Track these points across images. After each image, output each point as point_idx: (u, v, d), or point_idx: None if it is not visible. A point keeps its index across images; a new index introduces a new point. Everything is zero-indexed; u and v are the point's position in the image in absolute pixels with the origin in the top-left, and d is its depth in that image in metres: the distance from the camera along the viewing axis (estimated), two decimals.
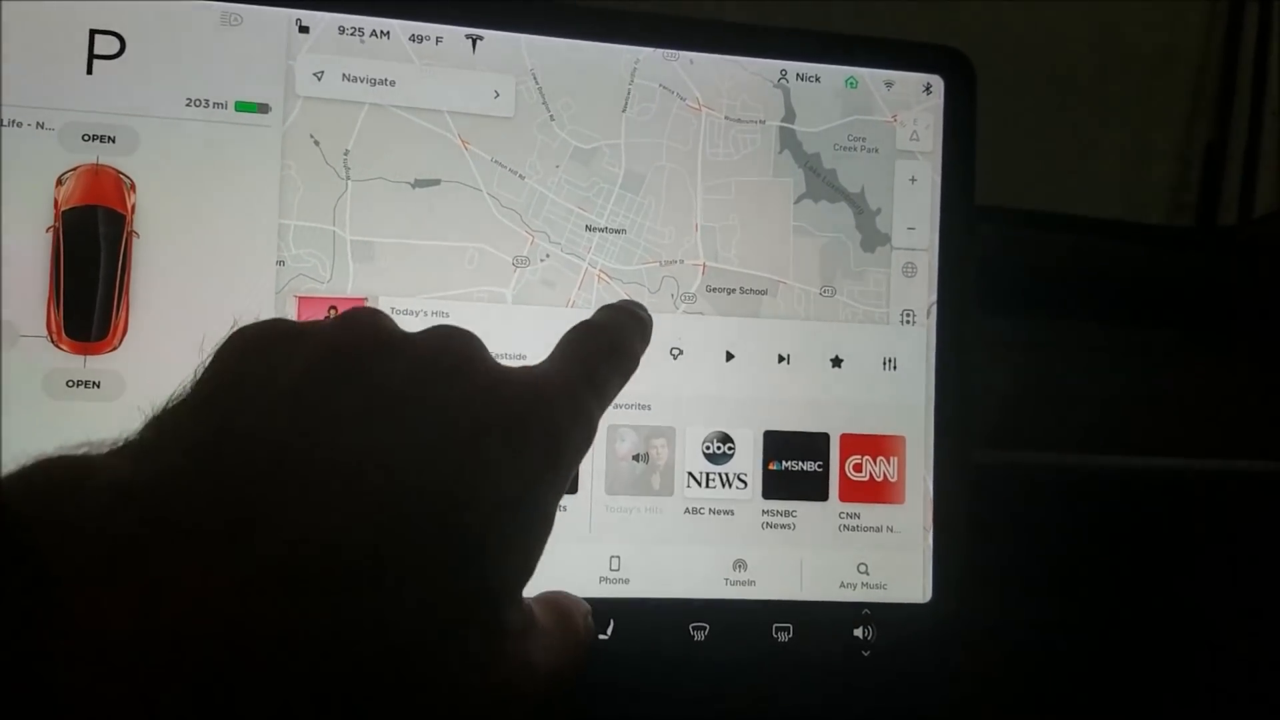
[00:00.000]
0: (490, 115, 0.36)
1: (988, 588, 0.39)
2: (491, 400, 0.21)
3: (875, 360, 0.38)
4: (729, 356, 0.38)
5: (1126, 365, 0.57)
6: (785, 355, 0.38)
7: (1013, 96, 0.39)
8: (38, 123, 0.33)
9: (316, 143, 0.35)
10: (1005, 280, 0.50)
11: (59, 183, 0.34)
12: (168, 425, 0.19)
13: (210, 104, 0.34)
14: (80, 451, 0.18)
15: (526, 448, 0.21)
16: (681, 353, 0.37)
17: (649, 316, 0.27)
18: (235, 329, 0.21)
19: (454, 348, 0.21)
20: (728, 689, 0.38)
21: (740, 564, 0.37)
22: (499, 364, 0.22)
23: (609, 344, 0.25)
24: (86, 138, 0.34)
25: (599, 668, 0.36)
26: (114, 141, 0.34)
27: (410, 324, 0.23)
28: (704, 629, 0.37)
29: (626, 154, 0.37)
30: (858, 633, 0.38)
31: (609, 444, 0.37)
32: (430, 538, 0.18)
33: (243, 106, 0.35)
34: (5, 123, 0.33)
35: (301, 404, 0.19)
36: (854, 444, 0.38)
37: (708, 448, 0.37)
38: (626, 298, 0.26)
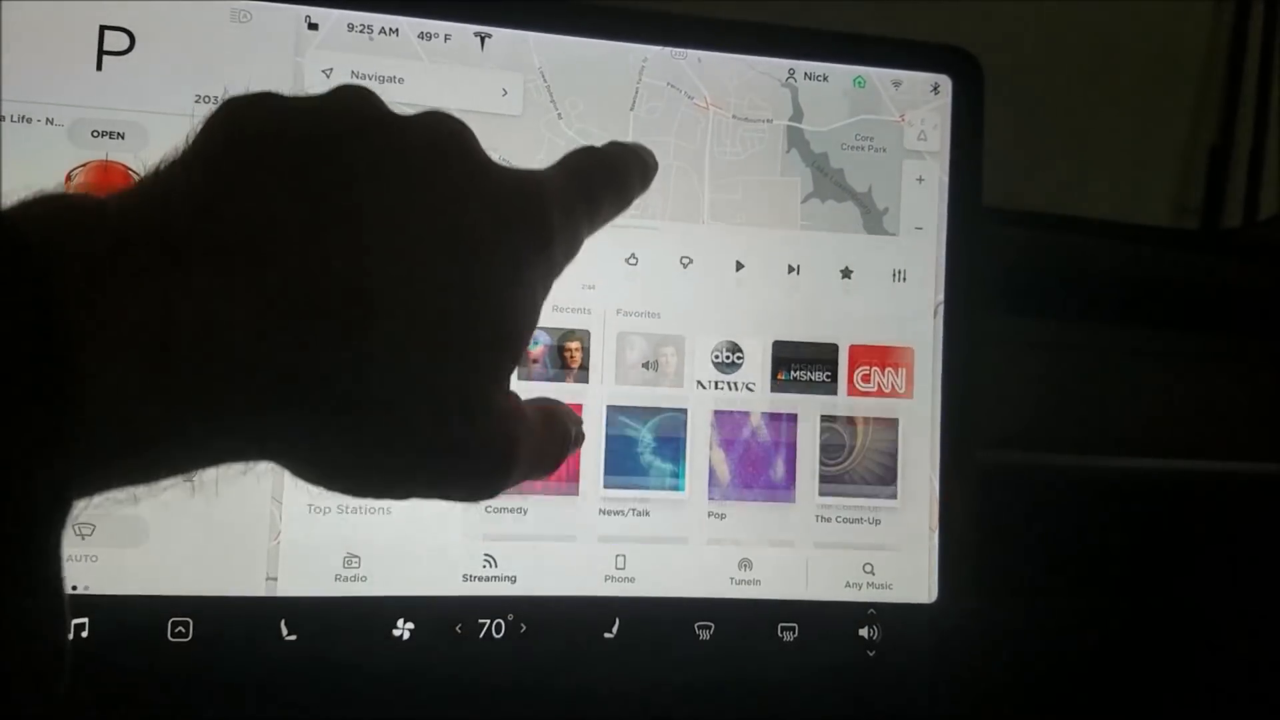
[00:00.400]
0: (498, 113, 0.36)
1: (993, 588, 0.39)
2: (486, 184, 0.21)
3: (885, 272, 0.39)
4: (739, 266, 0.38)
5: (1129, 366, 0.57)
6: (795, 266, 0.38)
7: (1016, 98, 0.39)
8: (47, 118, 0.34)
9: None
10: (1007, 281, 0.50)
11: (68, 179, 0.34)
12: (166, 174, 0.19)
13: (219, 100, 0.34)
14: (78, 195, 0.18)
15: (517, 236, 0.21)
16: (691, 261, 0.37)
17: (655, 161, 0.27)
18: (226, 98, 0.20)
19: (448, 129, 0.21)
20: (733, 688, 0.38)
21: (745, 563, 0.37)
22: (491, 157, 0.22)
23: (608, 170, 0.25)
24: (96, 134, 0.34)
25: (605, 665, 0.36)
26: (123, 138, 0.34)
27: None
28: (709, 628, 0.37)
29: None
30: (863, 632, 0.38)
31: (619, 350, 0.37)
32: (423, 301, 0.19)
33: None
34: (15, 118, 0.33)
35: (299, 161, 0.19)
36: (862, 355, 0.38)
37: (716, 356, 0.37)
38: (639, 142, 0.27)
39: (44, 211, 0.17)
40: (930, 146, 0.39)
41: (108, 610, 0.33)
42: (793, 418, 0.38)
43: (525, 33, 0.36)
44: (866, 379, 0.38)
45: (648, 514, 0.37)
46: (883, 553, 0.38)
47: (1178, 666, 0.48)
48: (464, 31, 0.36)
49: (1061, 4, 0.80)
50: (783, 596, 0.37)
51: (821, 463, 0.38)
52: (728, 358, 0.38)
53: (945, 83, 0.39)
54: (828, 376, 0.38)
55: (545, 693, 0.36)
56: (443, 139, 0.21)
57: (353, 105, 0.20)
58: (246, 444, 0.18)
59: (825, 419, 0.38)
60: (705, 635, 0.37)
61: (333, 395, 0.18)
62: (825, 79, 0.38)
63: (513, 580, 0.36)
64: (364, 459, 0.19)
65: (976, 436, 0.39)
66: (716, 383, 0.37)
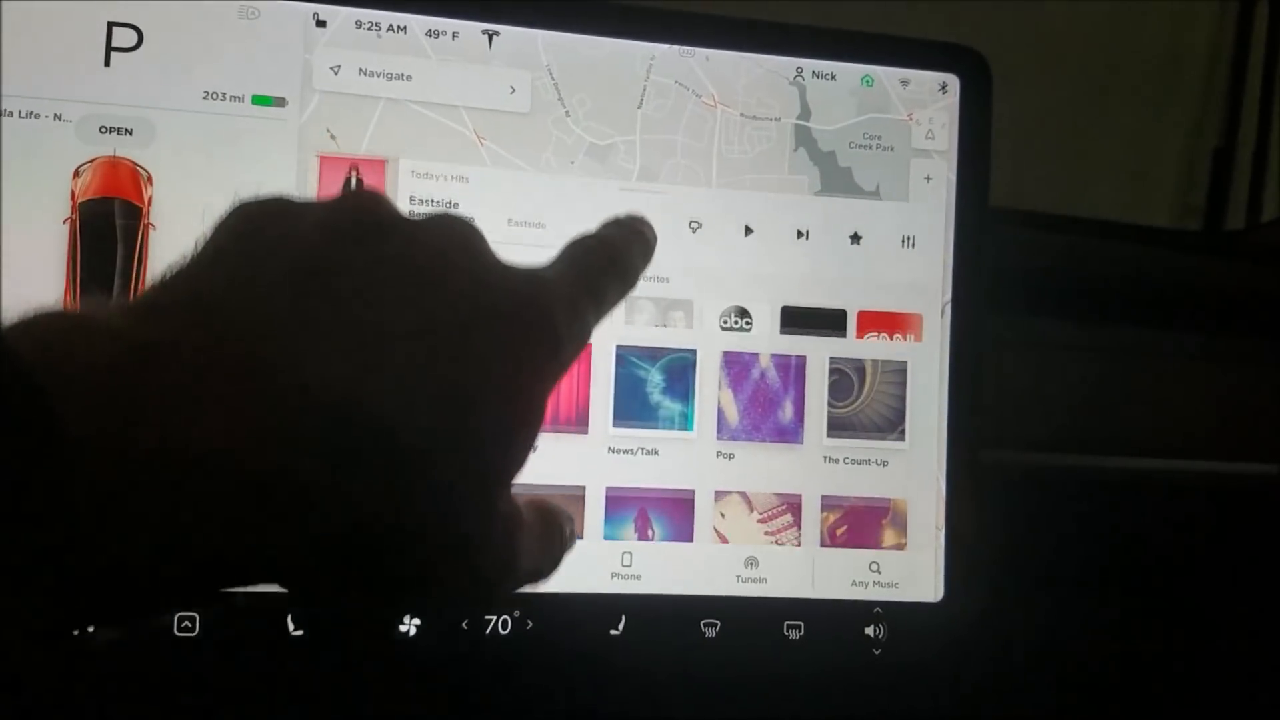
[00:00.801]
0: (506, 110, 0.36)
1: (999, 588, 0.39)
2: (492, 289, 0.21)
3: (894, 237, 0.39)
4: (747, 231, 0.38)
5: (1132, 367, 0.57)
6: (804, 231, 0.38)
7: (1021, 99, 0.39)
8: (55, 114, 0.34)
9: (333, 137, 0.35)
10: (1009, 281, 0.50)
11: (76, 175, 0.34)
12: (171, 287, 0.19)
13: (227, 97, 0.35)
14: (82, 310, 0.18)
15: (522, 340, 0.21)
16: (700, 226, 0.37)
17: (654, 234, 0.27)
18: (237, 203, 0.20)
19: (458, 233, 0.21)
20: (739, 685, 0.38)
21: (751, 561, 0.37)
22: (500, 259, 0.22)
23: (610, 257, 0.25)
24: (104, 130, 0.34)
25: (611, 662, 0.36)
26: (131, 134, 0.34)
27: None
28: (715, 626, 0.37)
29: (641, 150, 0.37)
30: (869, 631, 0.38)
31: (627, 314, 0.37)
32: (428, 413, 0.19)
33: (259, 100, 0.35)
34: (23, 114, 0.33)
35: (304, 272, 0.19)
36: (871, 321, 0.38)
37: (725, 322, 0.37)
38: (634, 213, 0.27)
39: (44, 333, 0.16)
40: (938, 145, 0.39)
41: None
42: (802, 359, 0.38)
43: (533, 30, 0.36)
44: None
45: (656, 453, 0.37)
46: (890, 553, 0.38)
47: (1189, 667, 0.48)
48: (472, 29, 0.36)
49: (1066, 5, 0.80)
50: (789, 595, 0.37)
51: (830, 404, 0.38)
52: (736, 323, 0.38)
53: (953, 82, 0.39)
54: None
55: (551, 690, 0.36)
56: (452, 246, 0.21)
57: (362, 210, 0.20)
58: (252, 564, 0.18)
59: (834, 360, 0.38)
60: (711, 633, 0.37)
61: (339, 507, 0.18)
62: (833, 78, 0.38)
63: None
64: (370, 572, 0.19)
65: (982, 436, 0.39)
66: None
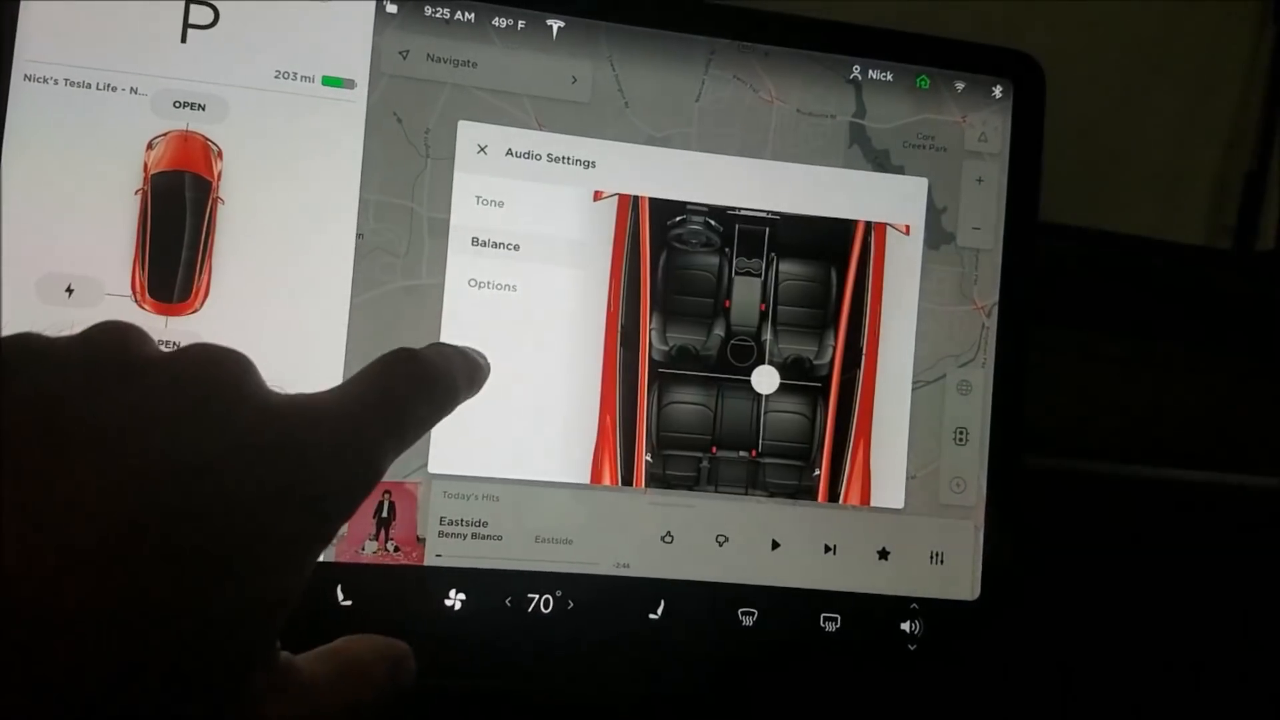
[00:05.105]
0: (567, 100, 0.37)
1: (1035, 589, 0.39)
2: (241, 431, 0.19)
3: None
4: None
5: (1160, 379, 0.57)
6: None
7: (1054, 114, 0.40)
8: (131, 88, 0.34)
9: (399, 120, 0.36)
10: (1044, 290, 0.50)
11: (149, 147, 0.35)
12: None
13: (298, 77, 0.35)
14: None
15: (275, 489, 0.19)
16: None
17: (486, 364, 0.26)
18: None
19: (210, 372, 0.19)
20: (773, 674, 0.38)
21: (788, 550, 0.38)
22: (267, 390, 0.20)
23: (420, 375, 0.23)
24: (178, 104, 0.35)
25: (648, 646, 0.37)
26: (204, 109, 0.35)
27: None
28: (753, 614, 0.37)
29: (698, 143, 0.38)
30: (905, 626, 0.38)
31: None
32: (149, 584, 0.17)
33: (329, 81, 0.36)
34: (101, 86, 0.34)
35: (27, 426, 0.17)
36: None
37: None
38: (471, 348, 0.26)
39: None
40: (991, 148, 0.40)
41: None
42: None
43: (596, 22, 0.37)
44: None
45: None
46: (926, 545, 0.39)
47: (1220, 672, 0.48)
48: (537, 19, 0.37)
49: (1104, 23, 0.81)
50: (827, 586, 0.38)
51: None
52: None
53: (1007, 86, 0.40)
54: None
55: (588, 669, 0.37)
56: (209, 384, 0.19)
57: (107, 350, 0.19)
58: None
59: None
60: (749, 621, 0.37)
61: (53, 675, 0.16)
62: (889, 77, 0.39)
63: (568, 542, 0.36)
64: None
65: (1024, 440, 0.40)
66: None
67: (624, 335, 0.37)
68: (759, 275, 0.38)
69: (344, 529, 0.35)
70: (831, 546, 0.38)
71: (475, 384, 0.25)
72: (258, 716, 0.19)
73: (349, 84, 0.36)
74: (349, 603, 0.35)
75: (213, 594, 0.18)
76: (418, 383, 0.22)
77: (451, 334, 0.36)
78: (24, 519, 0.16)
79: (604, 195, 0.37)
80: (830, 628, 0.38)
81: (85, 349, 0.19)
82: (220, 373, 0.20)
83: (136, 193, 0.34)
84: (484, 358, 0.26)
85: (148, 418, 0.18)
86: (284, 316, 0.35)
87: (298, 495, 0.19)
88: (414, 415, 0.22)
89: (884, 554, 0.38)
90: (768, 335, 0.38)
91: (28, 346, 0.19)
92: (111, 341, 0.19)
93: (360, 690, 0.21)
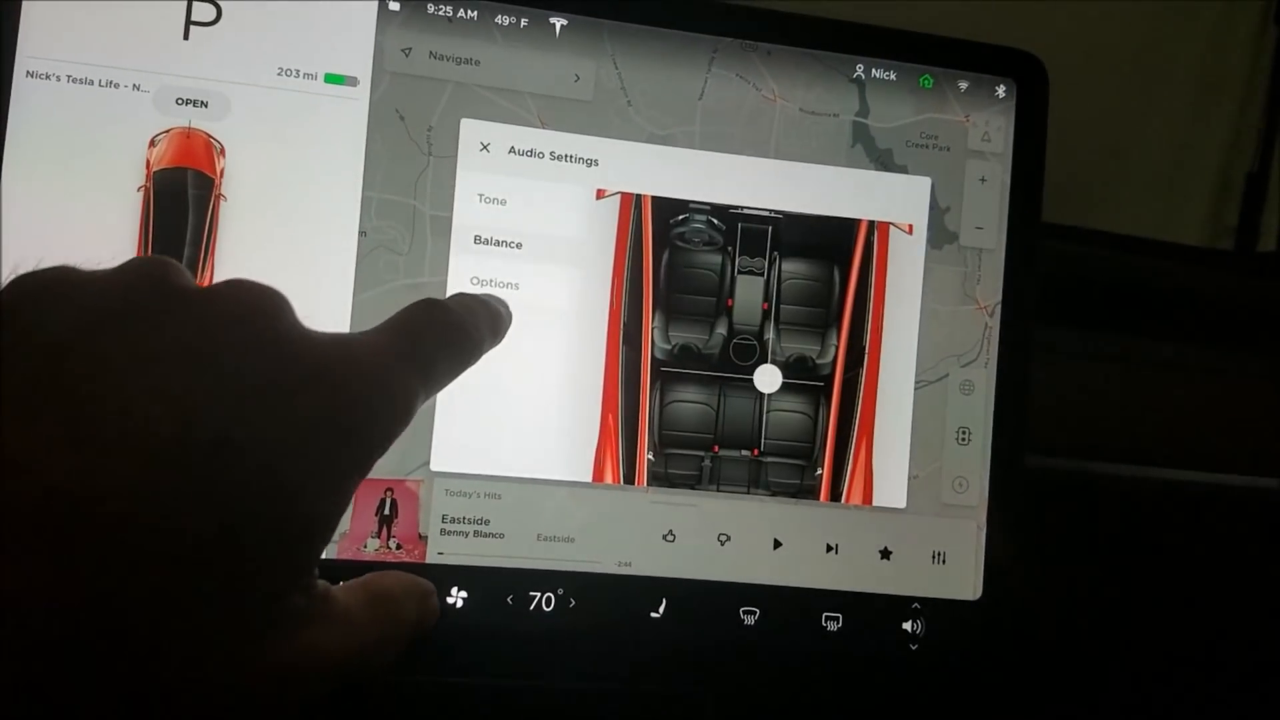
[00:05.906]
0: (569, 98, 0.37)
1: (1037, 589, 0.39)
2: (281, 359, 0.19)
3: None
4: None
5: (1161, 380, 0.57)
6: None
7: (1056, 114, 0.40)
8: (134, 85, 0.34)
9: (402, 118, 0.36)
10: (1043, 291, 0.51)
11: (151, 144, 0.34)
12: None
13: (301, 74, 0.35)
14: None
15: (315, 417, 0.19)
16: None
17: (508, 313, 0.26)
18: (14, 276, 0.19)
19: (248, 303, 0.20)
20: (775, 674, 0.38)
21: (790, 550, 0.38)
22: (302, 326, 0.20)
23: (445, 321, 0.23)
24: (180, 101, 0.35)
25: (649, 645, 0.37)
26: (206, 106, 0.35)
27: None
28: (754, 613, 0.37)
29: (701, 142, 0.38)
30: (907, 626, 0.38)
31: None
32: (190, 506, 0.17)
33: (332, 79, 0.35)
34: (103, 83, 0.34)
35: (70, 351, 0.18)
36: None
37: None
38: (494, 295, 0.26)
39: None
40: (994, 148, 0.39)
41: None
42: None
43: (599, 20, 0.37)
44: None
45: None
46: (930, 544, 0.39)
47: (1224, 672, 0.48)
48: (540, 17, 0.37)
49: (1106, 23, 0.81)
50: (829, 586, 0.38)
51: None
52: None
53: (1011, 86, 0.40)
54: None
55: (590, 668, 0.37)
56: (247, 314, 0.19)
57: (146, 280, 0.19)
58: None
59: None
60: (750, 620, 0.37)
61: (97, 622, 0.16)
62: (893, 77, 0.39)
63: (570, 541, 0.36)
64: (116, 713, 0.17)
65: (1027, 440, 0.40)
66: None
67: (626, 334, 0.37)
68: (761, 274, 0.38)
69: (345, 526, 0.35)
70: (833, 546, 0.38)
71: (498, 333, 0.26)
72: (296, 640, 0.19)
73: (351, 81, 0.36)
74: None
75: (253, 516, 0.18)
76: (442, 330, 0.23)
77: None
78: (69, 440, 0.17)
79: (606, 194, 0.37)
80: (832, 627, 0.38)
81: (125, 278, 0.20)
82: (260, 303, 0.20)
83: (139, 190, 0.34)
84: (506, 306, 0.26)
85: (189, 345, 0.19)
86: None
87: (337, 422, 0.19)
88: (441, 362, 0.23)
89: (886, 553, 0.38)
90: (770, 334, 0.38)
91: (67, 278, 0.19)
92: (151, 273, 0.20)
93: (394, 624, 0.22)
